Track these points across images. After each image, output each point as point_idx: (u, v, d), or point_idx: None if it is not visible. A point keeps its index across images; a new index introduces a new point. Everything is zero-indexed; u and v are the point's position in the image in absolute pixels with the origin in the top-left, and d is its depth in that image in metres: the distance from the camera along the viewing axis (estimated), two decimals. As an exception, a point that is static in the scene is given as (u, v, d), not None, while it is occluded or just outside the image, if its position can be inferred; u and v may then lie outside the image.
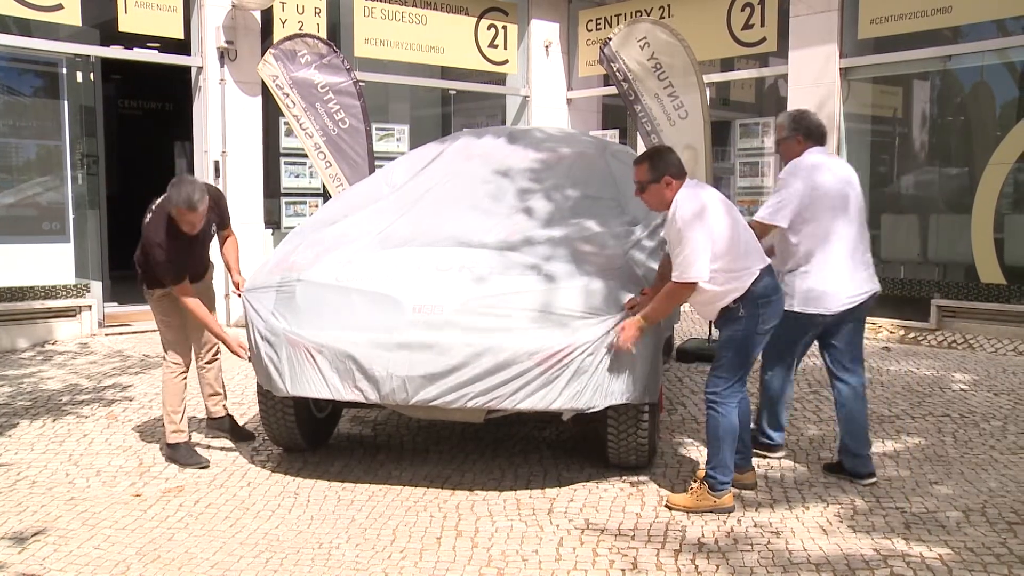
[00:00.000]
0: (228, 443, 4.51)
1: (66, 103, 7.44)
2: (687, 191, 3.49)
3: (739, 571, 3.04)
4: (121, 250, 9.50)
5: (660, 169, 3.51)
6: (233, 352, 4.14)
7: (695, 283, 3.40)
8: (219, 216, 4.40)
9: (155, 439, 4.57)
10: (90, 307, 7.43)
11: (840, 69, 8.07)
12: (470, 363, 3.51)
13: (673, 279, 3.45)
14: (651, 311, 3.53)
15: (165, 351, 4.32)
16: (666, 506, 3.62)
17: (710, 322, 6.81)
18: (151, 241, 4.11)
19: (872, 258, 4.02)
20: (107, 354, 6.79)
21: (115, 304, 8.30)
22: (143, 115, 12.25)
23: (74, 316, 7.36)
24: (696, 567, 3.07)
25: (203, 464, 4.17)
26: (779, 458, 4.28)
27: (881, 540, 3.28)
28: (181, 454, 4.21)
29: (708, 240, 3.37)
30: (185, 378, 4.31)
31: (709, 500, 3.56)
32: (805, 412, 5.12)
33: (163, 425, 4.29)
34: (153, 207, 4.21)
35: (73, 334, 7.32)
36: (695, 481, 3.62)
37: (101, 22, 7.74)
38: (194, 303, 4.17)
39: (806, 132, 3.91)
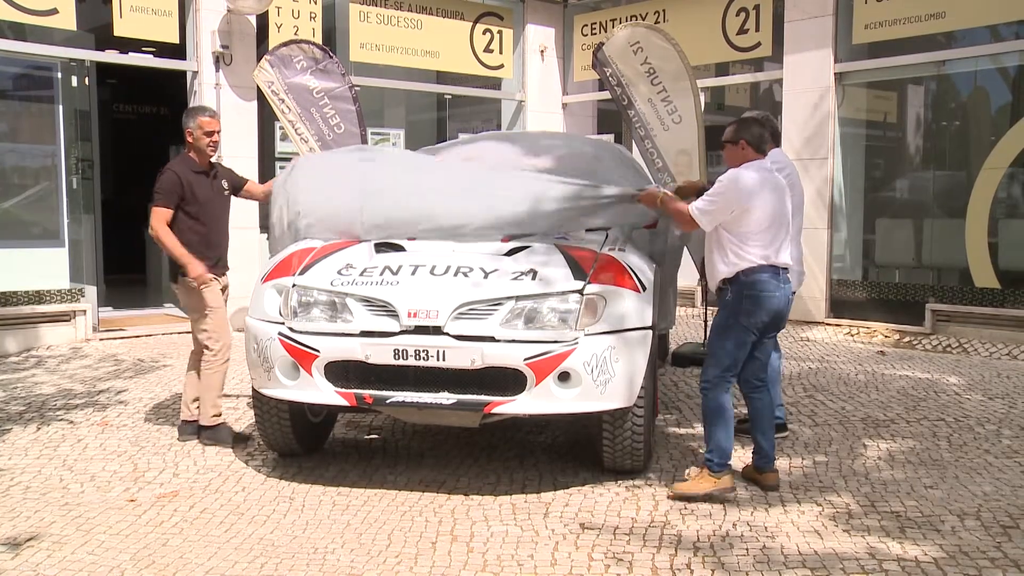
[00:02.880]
0: (223, 448, 4.50)
1: (61, 107, 7.43)
2: (750, 170, 3.82)
3: (734, 573, 3.05)
4: (116, 255, 9.53)
5: (739, 134, 3.92)
6: (195, 278, 4.37)
7: (695, 222, 3.85)
8: (230, 179, 4.77)
9: (150, 444, 4.57)
10: (84, 312, 7.42)
11: (835, 74, 8.11)
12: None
13: (689, 206, 3.88)
14: (668, 202, 4.06)
15: (209, 340, 4.51)
16: (669, 496, 3.72)
17: (705, 326, 6.84)
18: (167, 168, 4.47)
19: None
20: (101, 358, 6.78)
21: (110, 308, 8.30)
22: (138, 119, 12.24)
23: (68, 321, 7.35)
24: (691, 570, 3.08)
25: (246, 436, 4.56)
26: (783, 437, 4.56)
27: (876, 543, 3.29)
28: (225, 434, 4.50)
29: (728, 210, 3.77)
30: (229, 361, 4.63)
31: (709, 482, 3.71)
32: (800, 416, 5.13)
33: (165, 422, 4.30)
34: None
35: (67, 339, 7.31)
36: (694, 467, 3.73)
37: (96, 26, 7.75)
38: (164, 231, 4.36)
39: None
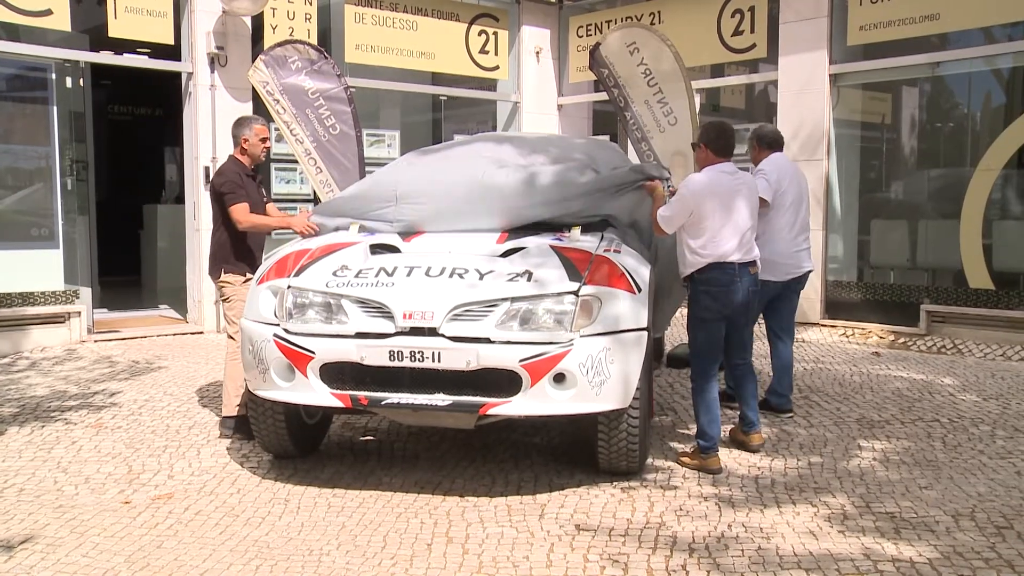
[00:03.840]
0: (218, 448, 4.50)
1: (55, 109, 7.42)
2: (708, 173, 4.17)
3: (729, 574, 3.06)
4: (110, 256, 9.51)
5: (700, 138, 4.25)
6: (300, 232, 4.61)
7: (661, 230, 4.24)
8: (264, 186, 5.13)
9: (144, 446, 4.56)
10: (79, 313, 7.40)
11: (829, 75, 8.12)
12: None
13: (657, 212, 4.24)
14: (655, 202, 4.37)
15: (237, 333, 4.48)
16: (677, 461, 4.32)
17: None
18: (225, 169, 4.80)
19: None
20: (96, 360, 6.76)
21: (104, 310, 8.28)
22: (133, 121, 12.23)
23: (63, 322, 7.33)
24: (687, 571, 3.08)
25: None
26: (789, 417, 5.10)
27: (871, 544, 3.30)
28: (246, 427, 4.51)
29: (686, 213, 4.12)
30: None
31: (698, 459, 4.23)
32: (795, 417, 5.14)
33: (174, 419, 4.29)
34: (218, 170, 4.92)
35: (62, 340, 7.29)
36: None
37: (91, 28, 7.73)
38: (253, 219, 4.70)
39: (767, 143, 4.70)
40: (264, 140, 4.89)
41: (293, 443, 4.19)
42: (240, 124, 4.93)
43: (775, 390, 5.18)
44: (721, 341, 4.23)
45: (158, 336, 7.78)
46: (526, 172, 4.44)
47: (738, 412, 4.59)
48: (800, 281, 5.18)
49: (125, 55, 7.77)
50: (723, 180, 4.15)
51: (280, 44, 6.92)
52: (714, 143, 4.20)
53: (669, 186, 4.81)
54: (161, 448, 4.51)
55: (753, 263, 4.22)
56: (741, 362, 4.45)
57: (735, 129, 4.46)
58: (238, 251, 4.74)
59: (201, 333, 8.01)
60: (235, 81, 7.99)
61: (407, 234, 4.35)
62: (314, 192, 8.01)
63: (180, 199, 9.01)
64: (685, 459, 4.28)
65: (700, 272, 4.14)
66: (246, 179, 4.79)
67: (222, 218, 4.74)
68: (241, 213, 4.67)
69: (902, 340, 7.55)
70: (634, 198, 4.55)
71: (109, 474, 4.14)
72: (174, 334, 7.91)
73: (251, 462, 4.30)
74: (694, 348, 4.26)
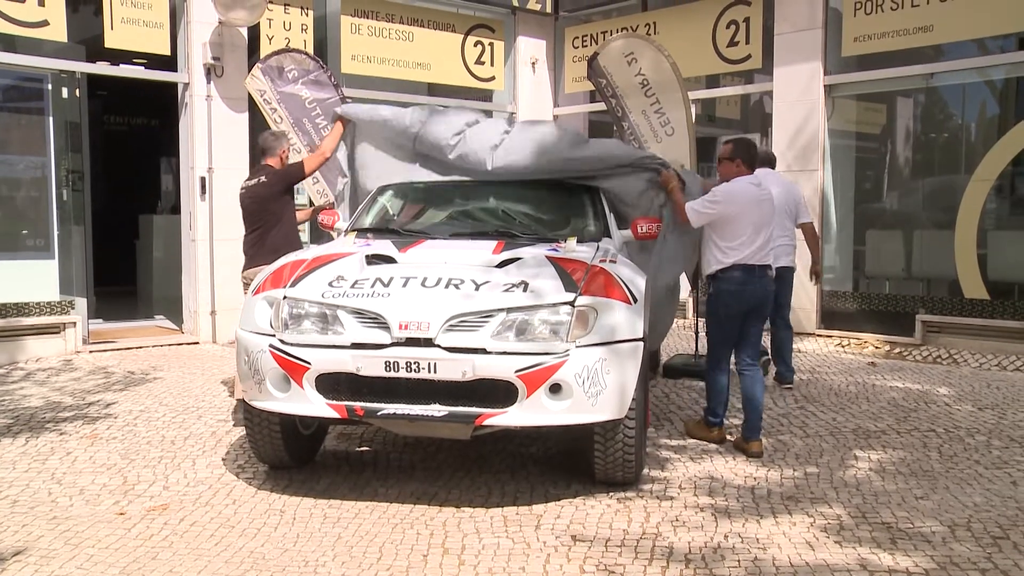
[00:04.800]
0: (213, 459, 4.49)
1: (51, 119, 7.43)
2: (738, 183, 4.68)
3: (726, 586, 3.06)
4: (106, 267, 9.50)
5: (736, 153, 4.73)
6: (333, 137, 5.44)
7: (686, 214, 4.73)
8: (278, 181, 5.57)
9: (140, 457, 4.55)
10: (74, 324, 7.39)
11: (824, 86, 8.17)
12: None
13: (686, 204, 4.76)
14: (675, 192, 4.99)
15: None
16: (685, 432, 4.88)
17: (696, 338, 6.86)
18: (268, 169, 5.52)
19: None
20: (91, 371, 6.75)
21: (100, 321, 8.27)
22: (129, 131, 12.22)
23: (58, 333, 7.32)
24: (683, 583, 3.08)
25: None
26: (791, 387, 5.85)
27: (867, 554, 3.30)
28: None
29: (714, 214, 4.64)
30: None
31: (704, 431, 4.82)
32: (791, 427, 5.15)
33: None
34: (260, 180, 5.49)
35: (57, 351, 7.28)
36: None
37: (87, 38, 7.75)
38: (317, 155, 5.56)
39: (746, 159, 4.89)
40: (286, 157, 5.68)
41: (289, 454, 4.19)
42: (277, 136, 5.67)
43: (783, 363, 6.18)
44: (735, 335, 4.73)
45: (153, 347, 7.78)
46: (546, 126, 5.24)
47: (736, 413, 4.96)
48: (782, 275, 5.88)
49: (121, 65, 7.79)
50: (751, 190, 4.70)
51: (276, 53, 6.93)
52: (746, 156, 4.77)
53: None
54: (156, 459, 4.51)
55: (770, 267, 4.77)
56: (751, 363, 4.74)
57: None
58: (291, 246, 5.16)
59: (196, 344, 8.00)
60: (231, 91, 8.01)
61: (403, 245, 4.37)
62: (310, 202, 8.01)
63: (176, 209, 9.00)
64: (691, 426, 4.91)
65: (723, 271, 4.66)
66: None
67: (278, 215, 5.25)
68: (308, 161, 5.51)
69: (898, 350, 7.57)
70: (638, 184, 5.09)
71: (104, 485, 4.13)
72: (169, 345, 7.90)
73: (247, 473, 4.30)
74: (710, 339, 4.84)
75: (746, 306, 4.64)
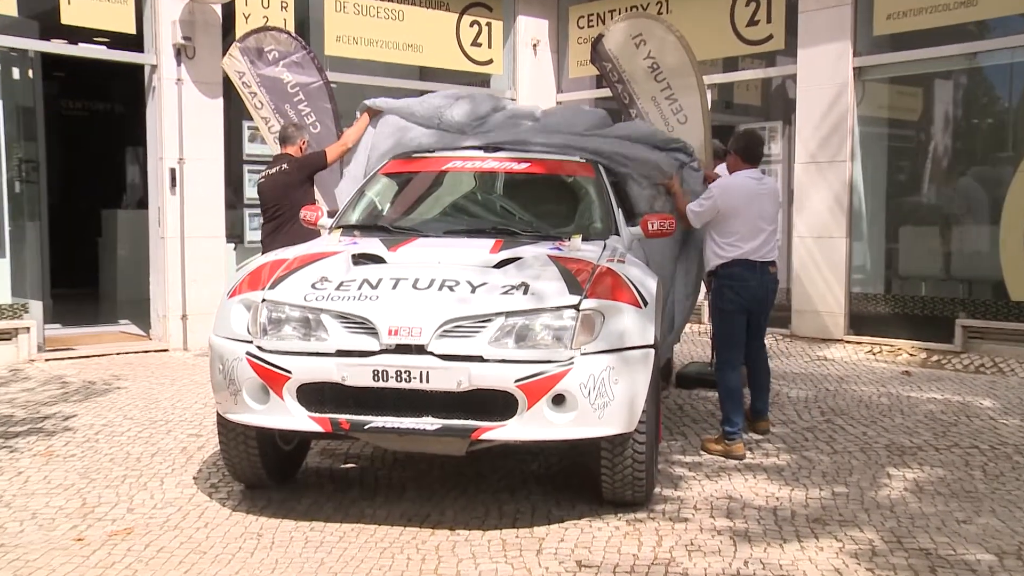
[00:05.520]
0: (183, 478, 4.50)
1: (1, 103, 7.38)
2: (737, 177, 5.05)
3: (746, 617, 3.07)
4: (65, 267, 9.52)
5: (731, 145, 5.18)
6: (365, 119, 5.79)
7: (686, 217, 5.08)
8: (299, 169, 6.11)
9: (101, 476, 4.55)
10: (28, 329, 7.39)
11: (854, 68, 8.18)
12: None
13: (686, 206, 5.11)
14: (678, 197, 5.30)
15: None
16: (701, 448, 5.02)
17: (712, 345, 6.88)
18: (315, 152, 6.13)
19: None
20: (46, 381, 6.76)
21: (57, 326, 8.28)
22: (90, 117, 12.25)
23: (10, 339, 7.32)
24: (699, 613, 3.09)
25: None
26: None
27: (901, 582, 3.31)
28: None
29: (713, 211, 4.98)
30: None
31: (722, 445, 4.89)
32: (818, 442, 5.17)
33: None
34: (281, 168, 6.09)
35: (8, 359, 7.28)
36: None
37: (41, 13, 7.69)
38: (339, 143, 5.98)
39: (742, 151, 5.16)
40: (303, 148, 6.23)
41: (267, 472, 4.20)
42: (299, 127, 6.40)
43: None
44: (742, 332, 5.06)
45: (118, 354, 7.79)
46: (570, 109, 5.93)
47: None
48: None
49: (80, 44, 7.77)
50: (750, 185, 5.02)
51: (255, 32, 6.96)
52: (743, 151, 5.11)
53: (694, 164, 5.68)
54: (119, 478, 4.51)
55: (773, 263, 5.07)
56: (756, 348, 5.23)
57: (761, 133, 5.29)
58: (308, 238, 5.31)
59: (166, 351, 8.02)
60: (204, 75, 8.03)
61: (393, 243, 4.39)
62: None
63: (143, 204, 9.03)
64: (710, 444, 4.97)
65: (724, 267, 5.00)
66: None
67: (298, 205, 5.38)
68: (331, 150, 5.93)
69: (935, 358, 7.59)
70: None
71: (60, 508, 4.12)
72: (135, 352, 7.92)
73: (220, 493, 4.31)
74: (720, 338, 5.17)
75: (748, 303, 5.01)
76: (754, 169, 5.12)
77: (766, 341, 5.45)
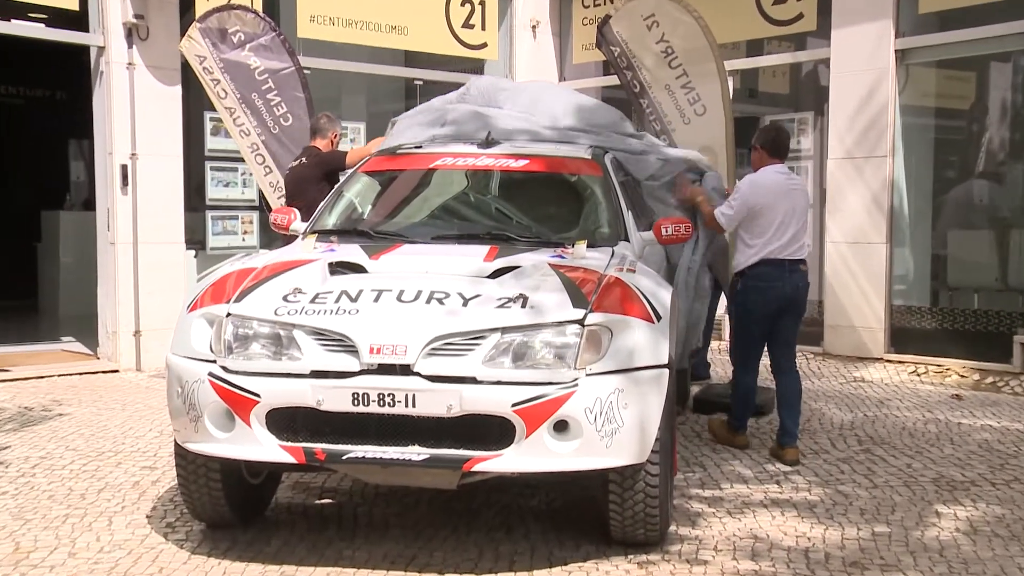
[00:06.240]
0: (135, 517, 4.51)
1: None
2: (765, 173, 5.42)
3: (772, 670, 3.09)
4: None
5: (756, 139, 5.57)
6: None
7: (718, 223, 5.45)
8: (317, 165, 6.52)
9: (38, 516, 4.53)
10: (-47, 348, 7.39)
11: (895, 51, 8.18)
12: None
13: (715, 210, 5.45)
14: (702, 204, 5.58)
15: None
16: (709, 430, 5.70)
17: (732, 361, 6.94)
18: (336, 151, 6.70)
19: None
20: (-22, 407, 6.77)
21: (-11, 344, 8.31)
22: (26, 106, 12.25)
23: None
24: (719, 666, 3.12)
25: None
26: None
27: (948, 633, 3.34)
28: None
29: (744, 211, 5.34)
30: None
31: (729, 436, 5.62)
32: (855, 475, 5.20)
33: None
34: (301, 161, 6.56)
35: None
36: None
37: (-33, -15, 7.70)
38: (360, 150, 6.64)
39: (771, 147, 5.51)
40: (340, 139, 6.81)
41: (231, 509, 4.21)
42: (329, 120, 6.74)
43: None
44: (764, 335, 5.46)
45: (59, 376, 7.80)
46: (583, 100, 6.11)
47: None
48: None
49: (13, 21, 7.74)
50: (779, 180, 5.39)
51: (217, 10, 6.99)
52: (770, 144, 5.47)
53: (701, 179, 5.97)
54: (60, 518, 4.50)
55: (803, 261, 5.42)
56: (788, 366, 5.52)
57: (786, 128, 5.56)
58: None
59: (116, 372, 8.04)
60: (159, 59, 8.05)
61: (375, 250, 4.43)
62: (261, 197, 8.07)
63: (90, 205, 9.06)
64: (716, 427, 5.67)
65: (751, 267, 5.35)
66: None
67: (313, 203, 5.59)
68: (352, 153, 6.47)
69: (990, 380, 7.61)
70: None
71: (-8, 553, 4.12)
72: (81, 373, 7.93)
73: (178, 533, 4.33)
74: (736, 339, 5.60)
75: (775, 305, 5.35)
76: (781, 164, 5.47)
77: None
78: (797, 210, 5.39)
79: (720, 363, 8.40)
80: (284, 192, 6.79)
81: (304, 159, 6.48)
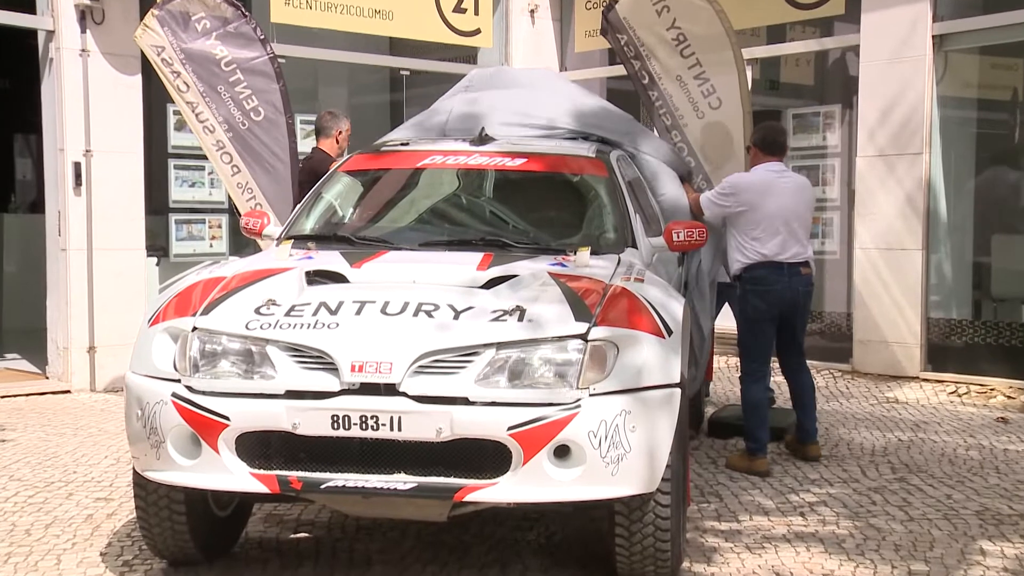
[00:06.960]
0: (88, 555, 4.51)
1: None
2: (755, 170, 5.76)
3: None
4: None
5: (751, 137, 5.96)
6: None
7: (701, 210, 5.80)
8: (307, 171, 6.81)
9: (3, 545, 4.59)
10: None
11: (933, 37, 8.20)
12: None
13: (701, 194, 5.89)
14: (689, 192, 6.00)
15: None
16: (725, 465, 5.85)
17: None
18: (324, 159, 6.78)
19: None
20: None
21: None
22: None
23: None
24: None
25: None
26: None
27: None
28: None
29: (725, 205, 5.70)
30: None
31: (746, 462, 5.71)
32: (888, 506, 5.22)
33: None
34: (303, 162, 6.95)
35: None
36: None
37: None
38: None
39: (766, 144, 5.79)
40: (348, 137, 6.89)
41: (196, 544, 4.22)
42: (333, 116, 6.95)
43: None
44: (771, 342, 5.80)
45: (3, 397, 7.79)
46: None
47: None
48: None
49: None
50: (768, 178, 5.67)
51: (179, -7, 7.01)
52: (761, 142, 5.76)
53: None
54: (1, 557, 4.49)
55: (805, 264, 5.72)
56: (798, 365, 5.91)
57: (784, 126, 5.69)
58: None
59: (67, 392, 8.04)
60: (116, 45, 8.06)
61: (357, 258, 4.44)
62: (229, 200, 8.09)
63: (38, 207, 9.06)
64: (733, 460, 5.80)
65: (748, 271, 5.67)
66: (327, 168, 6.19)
67: None
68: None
69: (1038, 401, 7.65)
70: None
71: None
72: (27, 394, 7.92)
73: (136, 572, 4.33)
74: (742, 348, 5.87)
75: (776, 309, 5.68)
76: (777, 162, 5.78)
77: (819, 378, 5.72)
78: (791, 209, 5.67)
79: (735, 382, 8.42)
80: (256, 195, 6.84)
81: (302, 163, 6.79)
